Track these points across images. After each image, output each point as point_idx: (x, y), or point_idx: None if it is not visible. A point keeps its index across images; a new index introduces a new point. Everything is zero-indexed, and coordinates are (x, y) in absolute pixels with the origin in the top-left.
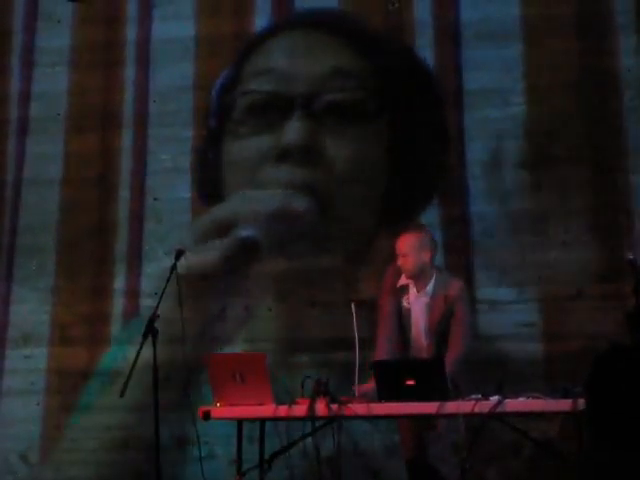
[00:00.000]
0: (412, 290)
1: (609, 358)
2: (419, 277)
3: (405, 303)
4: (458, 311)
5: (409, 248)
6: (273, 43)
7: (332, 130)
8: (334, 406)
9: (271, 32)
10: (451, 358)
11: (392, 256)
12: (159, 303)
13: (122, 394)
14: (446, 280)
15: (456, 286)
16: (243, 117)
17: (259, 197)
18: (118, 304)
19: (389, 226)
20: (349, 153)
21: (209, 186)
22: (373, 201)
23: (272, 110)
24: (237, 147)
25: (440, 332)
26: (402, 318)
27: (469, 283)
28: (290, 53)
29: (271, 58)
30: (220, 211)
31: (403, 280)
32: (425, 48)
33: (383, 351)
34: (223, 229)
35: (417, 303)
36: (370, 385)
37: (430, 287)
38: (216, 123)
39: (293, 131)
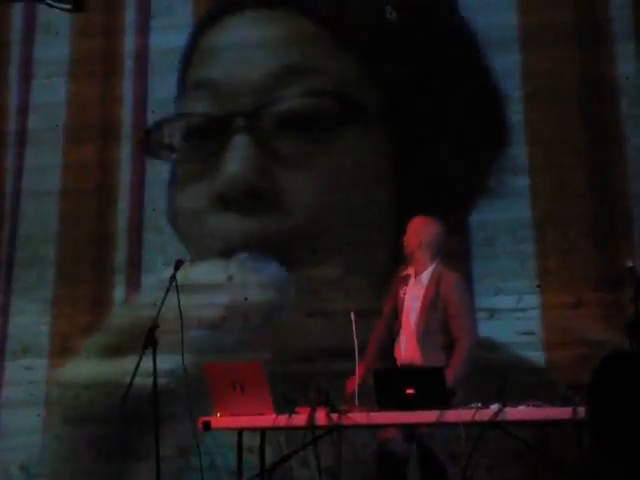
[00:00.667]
0: (411, 280)
1: (610, 364)
2: (415, 262)
3: (402, 293)
4: (452, 302)
5: (410, 227)
6: (217, 34)
7: (290, 153)
8: (334, 415)
9: (220, 12)
10: (459, 352)
11: (393, 265)
12: (159, 314)
13: (122, 405)
14: (442, 271)
15: (449, 277)
16: (181, 147)
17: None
18: None
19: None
20: (320, 182)
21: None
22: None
23: (211, 136)
24: (180, 192)
25: (435, 320)
26: (397, 305)
27: (469, 291)
28: (233, 51)
29: (208, 62)
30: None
31: (406, 270)
32: None
33: (374, 335)
34: None
35: (411, 292)
36: (359, 373)
37: (425, 276)
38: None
39: (230, 166)
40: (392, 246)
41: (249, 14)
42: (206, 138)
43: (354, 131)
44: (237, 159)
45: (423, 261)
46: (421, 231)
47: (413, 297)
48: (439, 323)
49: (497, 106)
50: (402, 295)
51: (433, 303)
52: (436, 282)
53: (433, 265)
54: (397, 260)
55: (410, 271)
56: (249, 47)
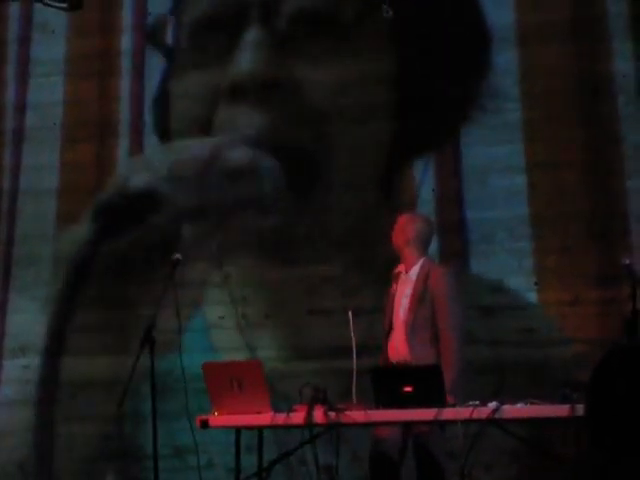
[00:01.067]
0: (402, 276)
1: (609, 359)
2: (404, 260)
3: (392, 290)
4: (440, 301)
5: (397, 224)
6: None
7: (306, 53)
8: (332, 414)
9: None
10: (449, 352)
11: (393, 263)
12: (157, 312)
13: (120, 404)
14: (429, 266)
15: (436, 271)
16: (188, 42)
17: (188, 148)
18: None
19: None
20: (332, 85)
21: (161, 132)
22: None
23: (221, 30)
24: (183, 83)
25: (421, 315)
26: (389, 303)
27: (466, 289)
28: None
29: None
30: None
31: (400, 267)
32: None
33: (384, 350)
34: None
35: (401, 288)
36: None
37: (414, 271)
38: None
39: (247, 57)
40: (390, 244)
41: None
42: (216, 29)
43: (367, 31)
44: (252, 50)
45: (411, 258)
46: (407, 228)
47: (403, 293)
48: (427, 318)
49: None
50: (392, 292)
51: (421, 298)
52: (424, 277)
53: (421, 261)
54: (397, 259)
55: (401, 268)
56: None
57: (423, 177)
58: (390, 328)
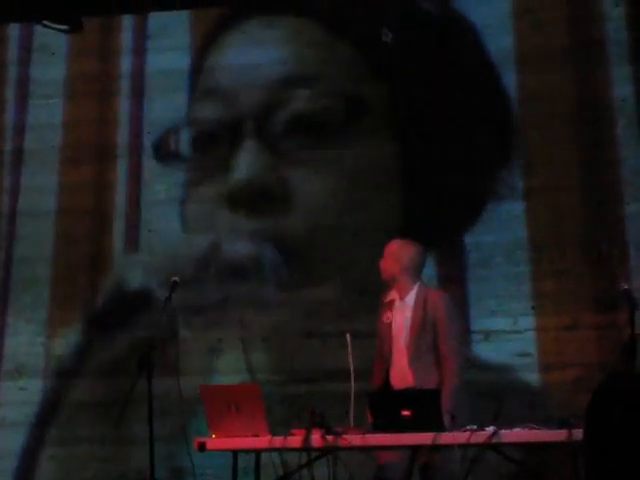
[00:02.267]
0: (396, 304)
1: (607, 387)
2: (397, 287)
3: (384, 319)
4: (440, 320)
5: (388, 252)
6: (222, 45)
7: (298, 158)
8: (330, 437)
9: (223, 25)
10: (447, 393)
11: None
12: (154, 335)
13: (117, 426)
14: (426, 290)
15: (435, 296)
16: (191, 153)
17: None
18: None
19: None
20: (327, 186)
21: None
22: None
23: (222, 141)
24: (191, 193)
25: (424, 341)
26: (383, 334)
27: (464, 313)
28: (238, 59)
29: (215, 72)
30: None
31: (390, 295)
32: None
33: (376, 371)
34: None
35: (398, 315)
36: None
37: (410, 297)
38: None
39: (241, 167)
40: None
41: (251, 28)
42: (216, 143)
43: (362, 132)
44: (247, 161)
45: (406, 285)
46: (400, 255)
47: (401, 321)
48: (429, 343)
49: (503, 106)
50: (386, 320)
51: (422, 324)
52: (422, 303)
53: (416, 286)
54: None
55: (394, 296)
56: (255, 55)
57: None
58: (390, 356)
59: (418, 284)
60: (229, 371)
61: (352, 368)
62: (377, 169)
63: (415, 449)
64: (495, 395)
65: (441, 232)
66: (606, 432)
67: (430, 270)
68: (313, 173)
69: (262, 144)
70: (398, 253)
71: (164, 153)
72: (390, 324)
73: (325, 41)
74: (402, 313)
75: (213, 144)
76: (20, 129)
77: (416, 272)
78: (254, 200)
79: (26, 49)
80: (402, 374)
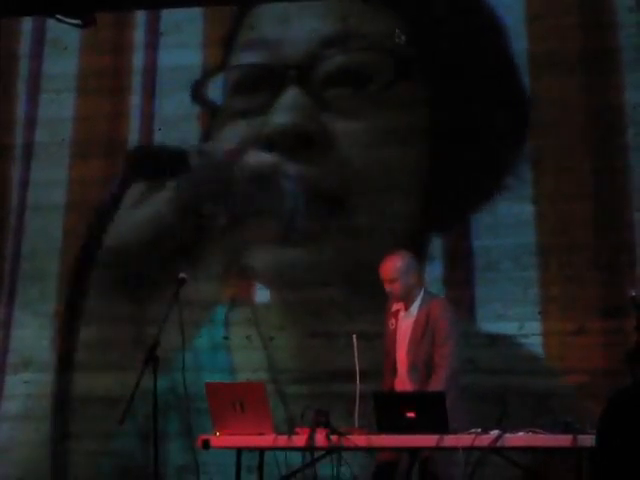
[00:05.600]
0: (401, 313)
1: (621, 399)
2: (407, 300)
3: (389, 324)
4: (439, 330)
5: (396, 273)
6: (263, 9)
7: (339, 109)
8: (334, 437)
9: None
10: (437, 379)
11: None
12: (160, 330)
13: (122, 421)
14: (429, 300)
15: (436, 304)
16: (231, 96)
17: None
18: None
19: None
20: (366, 140)
21: None
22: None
23: (263, 87)
24: (224, 132)
25: (422, 352)
26: (389, 341)
27: (471, 316)
28: (282, 14)
29: (260, 25)
30: None
31: (396, 305)
32: None
33: (385, 377)
34: None
35: (403, 324)
36: None
37: (414, 307)
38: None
39: (281, 112)
40: None
41: None
42: (257, 90)
43: (402, 93)
44: (289, 107)
45: (410, 295)
46: (397, 272)
47: (405, 330)
48: (429, 353)
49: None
50: (391, 326)
51: (422, 336)
52: (425, 311)
53: (420, 294)
54: None
55: (399, 306)
56: (296, 11)
57: None
58: (395, 363)
59: (422, 292)
60: (233, 369)
61: (357, 369)
62: (408, 132)
63: (415, 450)
64: (500, 399)
65: (462, 201)
66: (618, 440)
67: (438, 273)
68: (354, 124)
69: (305, 91)
70: (409, 267)
71: (198, 97)
72: (395, 330)
73: (375, 6)
74: (407, 322)
75: (252, 90)
76: (31, 123)
77: (416, 280)
78: (293, 144)
79: (38, 43)
80: (403, 383)
